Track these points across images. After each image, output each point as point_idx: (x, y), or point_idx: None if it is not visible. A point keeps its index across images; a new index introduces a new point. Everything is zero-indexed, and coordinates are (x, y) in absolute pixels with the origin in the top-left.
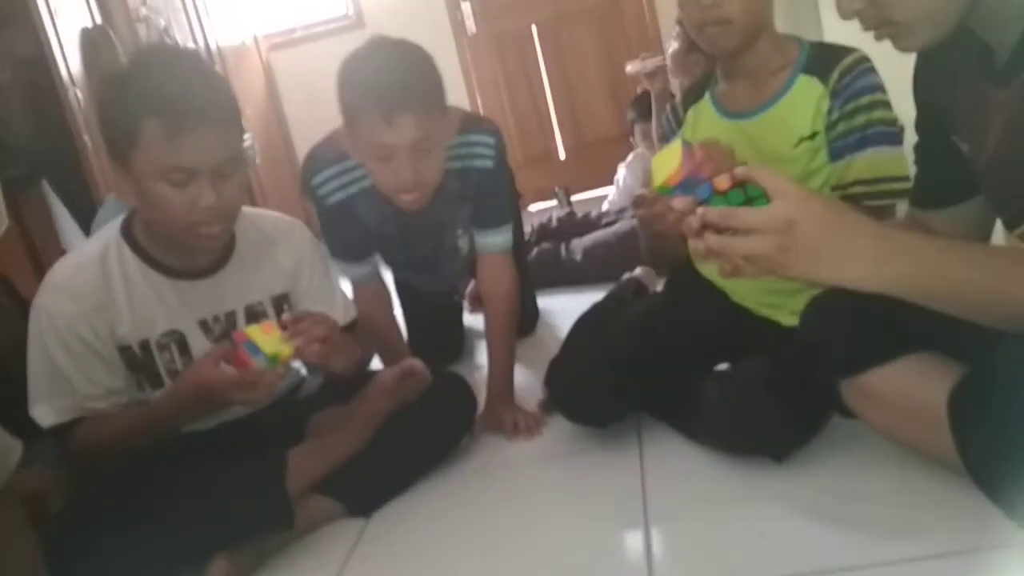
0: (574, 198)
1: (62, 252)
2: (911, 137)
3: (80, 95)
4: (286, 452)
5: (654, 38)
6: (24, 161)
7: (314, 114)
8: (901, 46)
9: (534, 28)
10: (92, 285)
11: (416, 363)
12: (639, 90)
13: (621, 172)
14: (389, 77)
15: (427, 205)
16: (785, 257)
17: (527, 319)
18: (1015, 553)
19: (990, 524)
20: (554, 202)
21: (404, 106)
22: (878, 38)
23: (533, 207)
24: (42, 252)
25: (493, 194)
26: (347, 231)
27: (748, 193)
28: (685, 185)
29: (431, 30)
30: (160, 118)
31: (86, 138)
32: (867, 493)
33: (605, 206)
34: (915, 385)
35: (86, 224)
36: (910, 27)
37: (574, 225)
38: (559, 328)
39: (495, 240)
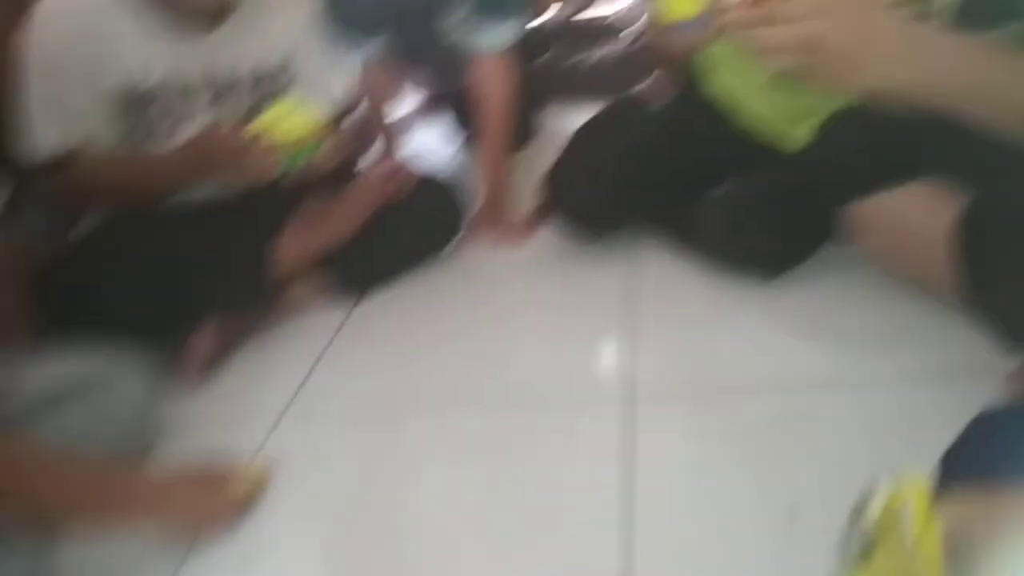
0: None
1: None
2: None
3: None
4: (274, 236)
5: None
6: None
7: None
8: None
9: None
10: (91, 22)
11: (401, 164)
12: None
13: None
14: None
15: None
16: (815, 60)
17: (524, 131)
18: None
19: (970, 351)
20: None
21: None
22: None
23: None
24: None
25: None
26: (355, 12)
27: None
28: None
29: None
30: None
31: None
32: (853, 315)
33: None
34: (918, 212)
35: None
36: None
37: (577, 31)
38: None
39: (494, 35)
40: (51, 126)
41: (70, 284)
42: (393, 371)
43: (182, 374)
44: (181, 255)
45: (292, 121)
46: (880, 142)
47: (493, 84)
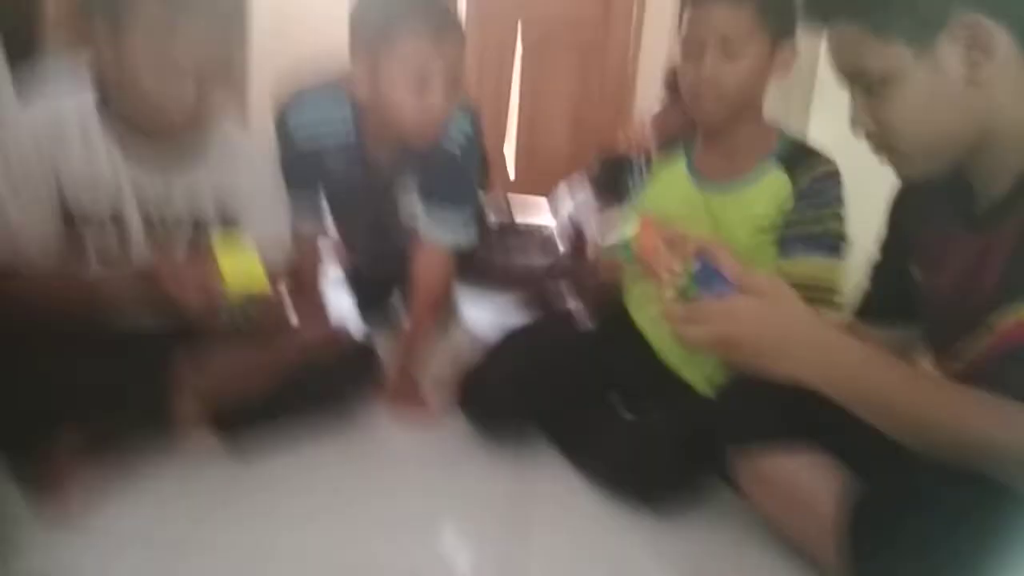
0: (513, 200)
1: None
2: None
3: None
4: (181, 372)
5: (628, 90)
6: None
7: (282, 45)
8: (899, 172)
9: (520, 42)
10: (52, 135)
11: (341, 332)
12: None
13: (567, 203)
14: (431, 1)
15: (393, 167)
16: (733, 356)
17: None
18: None
19: None
20: (495, 214)
21: (451, 28)
22: (880, 160)
23: None
24: None
25: (450, 183)
26: (307, 182)
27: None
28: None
29: None
30: (161, 4)
31: (50, 7)
32: (730, 563)
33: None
34: (804, 479)
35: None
36: (911, 156)
37: (515, 237)
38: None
39: (445, 236)
40: None
41: None
42: (262, 533)
43: (56, 503)
44: (80, 371)
45: (242, 266)
46: (778, 404)
47: (433, 272)
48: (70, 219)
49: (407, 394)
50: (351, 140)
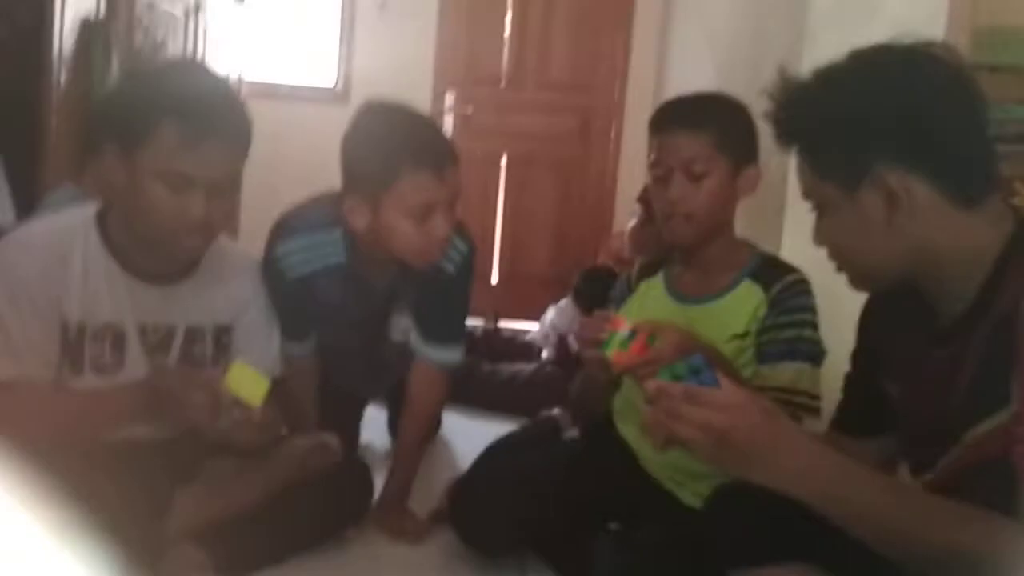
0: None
1: None
2: (831, 363)
3: (63, 78)
4: (175, 488)
5: (607, 204)
6: None
7: (269, 177)
8: (850, 284)
9: (504, 158)
10: (54, 253)
11: (331, 439)
12: (598, 262)
13: (550, 313)
14: (430, 133)
15: (381, 291)
16: (719, 453)
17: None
18: None
19: None
20: (480, 321)
21: (452, 160)
22: (837, 270)
23: None
24: None
25: (449, 304)
26: (298, 308)
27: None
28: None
29: None
30: (179, 122)
31: (53, 119)
32: None
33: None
34: None
35: (20, 202)
36: (853, 274)
37: (500, 343)
38: (460, 446)
39: (439, 355)
40: None
41: None
42: None
43: None
44: (71, 490)
45: (243, 383)
46: (770, 517)
47: (428, 392)
48: (67, 330)
49: (400, 509)
50: (341, 263)
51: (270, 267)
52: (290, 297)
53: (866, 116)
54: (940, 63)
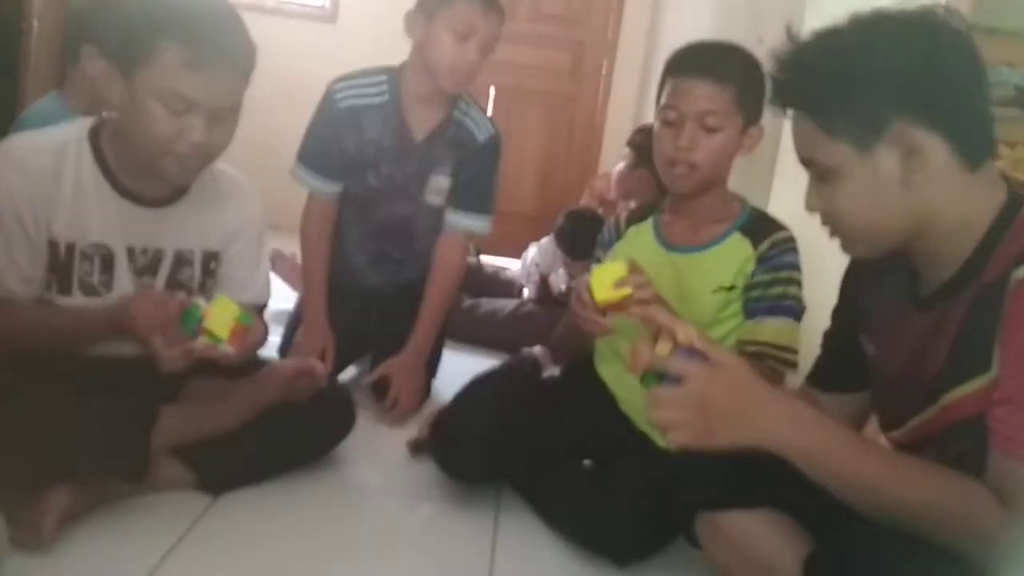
0: (481, 258)
1: None
2: (811, 318)
3: None
4: (160, 406)
5: (595, 144)
6: None
7: (253, 93)
8: (845, 250)
9: (492, 90)
10: (44, 171)
11: (317, 364)
12: (582, 202)
13: (532, 251)
14: None
15: (419, 146)
16: (707, 424)
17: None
18: None
19: None
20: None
21: (497, 7)
22: (830, 237)
23: None
24: None
25: (479, 175)
26: (338, 141)
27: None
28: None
29: (404, 41)
30: (184, 46)
31: (35, 23)
32: None
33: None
34: (765, 539)
35: (2, 108)
36: (851, 239)
37: (482, 278)
38: (440, 378)
39: (466, 222)
40: None
41: None
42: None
43: (30, 530)
44: (59, 404)
45: (223, 314)
46: (741, 464)
47: (451, 258)
48: (56, 249)
49: (412, 365)
50: (385, 100)
51: (324, 100)
52: (334, 127)
53: (885, 71)
54: (951, 25)
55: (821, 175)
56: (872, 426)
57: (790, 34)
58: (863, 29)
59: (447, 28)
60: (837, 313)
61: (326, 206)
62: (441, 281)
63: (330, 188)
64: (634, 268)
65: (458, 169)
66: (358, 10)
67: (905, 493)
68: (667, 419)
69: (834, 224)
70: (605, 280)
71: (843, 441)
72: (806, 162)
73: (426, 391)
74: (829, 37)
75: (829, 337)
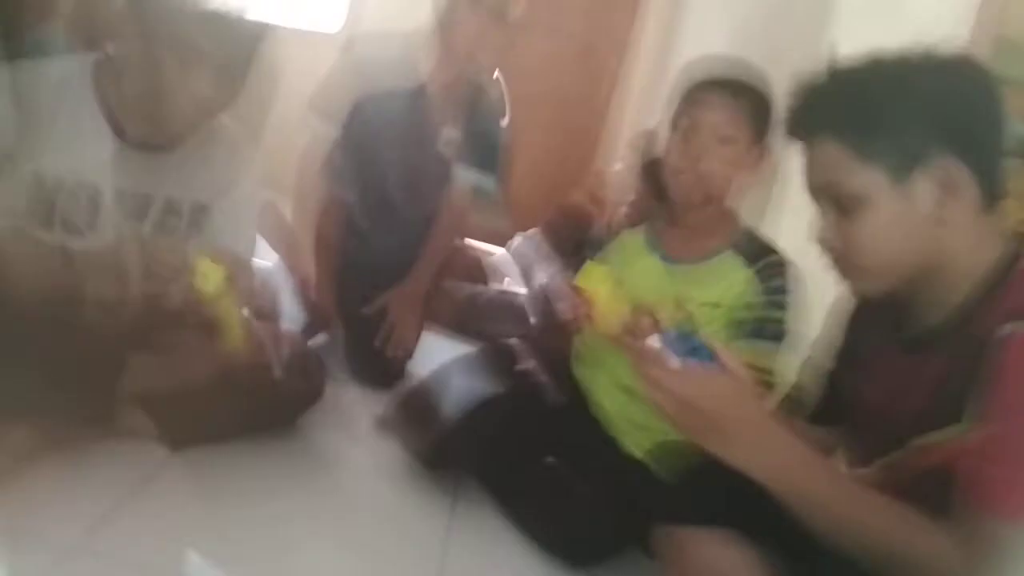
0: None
1: None
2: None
3: None
4: (130, 353)
5: (593, 142)
6: None
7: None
8: (848, 285)
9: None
10: (41, 103)
11: (291, 330)
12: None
13: (516, 240)
14: None
15: (431, 96)
16: (685, 418)
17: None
18: None
19: None
20: None
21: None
22: (833, 269)
23: None
24: None
25: (488, 131)
26: (351, 87)
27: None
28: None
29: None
30: None
31: None
32: None
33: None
34: (720, 558)
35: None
36: (864, 272)
37: (463, 261)
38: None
39: (474, 177)
40: None
41: None
42: (188, 539)
43: None
44: (27, 344)
45: (212, 272)
46: (706, 482)
47: (458, 209)
48: (40, 182)
49: (412, 296)
50: (412, 78)
51: (346, 49)
52: (348, 74)
53: (933, 102)
54: (989, 70)
55: (841, 204)
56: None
57: (826, 57)
58: (908, 60)
59: (469, 9)
60: (820, 344)
61: (322, 154)
62: (445, 226)
63: (332, 132)
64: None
65: (470, 125)
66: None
67: (879, 532)
68: (666, 400)
69: (847, 256)
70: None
71: (818, 472)
72: (824, 189)
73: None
74: (874, 63)
75: (812, 368)
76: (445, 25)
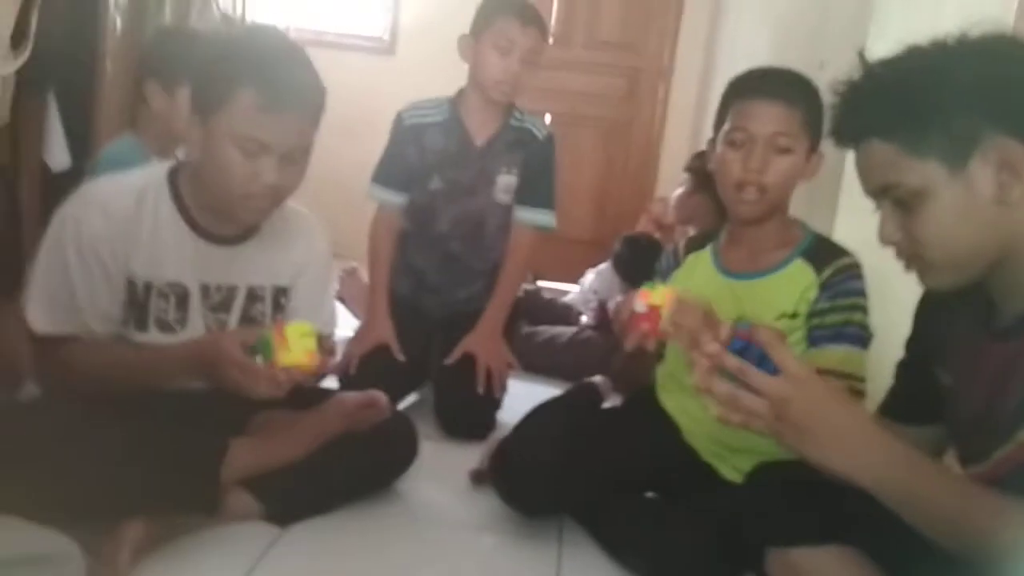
0: (539, 284)
1: (41, 163)
2: (879, 346)
3: (119, 21)
4: (229, 439)
5: (652, 169)
6: (40, 64)
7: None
8: (924, 281)
9: (548, 117)
10: (126, 212)
11: (380, 396)
12: (639, 228)
13: (590, 277)
14: None
15: (481, 150)
16: (778, 426)
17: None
18: None
19: None
20: None
21: (536, 19)
22: (907, 269)
23: None
24: (24, 158)
25: (541, 171)
26: (404, 155)
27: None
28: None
29: (460, 74)
30: (257, 90)
31: (108, 64)
32: None
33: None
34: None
35: (75, 147)
36: (938, 267)
37: (539, 304)
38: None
39: (533, 216)
40: (47, 311)
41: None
42: None
43: (107, 562)
44: (132, 440)
45: (297, 345)
46: (811, 497)
47: (521, 246)
48: (134, 287)
49: (490, 340)
50: (446, 117)
51: (393, 125)
52: (400, 142)
53: (976, 84)
54: (1020, 41)
55: (903, 202)
56: (950, 462)
57: (863, 59)
58: (945, 47)
59: (491, 45)
60: (911, 344)
61: (392, 216)
62: (513, 265)
63: (396, 199)
64: (683, 301)
65: (523, 168)
66: (416, 42)
67: (987, 528)
68: (744, 403)
69: (918, 253)
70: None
71: (922, 471)
72: (883, 191)
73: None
74: (910, 56)
75: (903, 368)
76: (474, 69)
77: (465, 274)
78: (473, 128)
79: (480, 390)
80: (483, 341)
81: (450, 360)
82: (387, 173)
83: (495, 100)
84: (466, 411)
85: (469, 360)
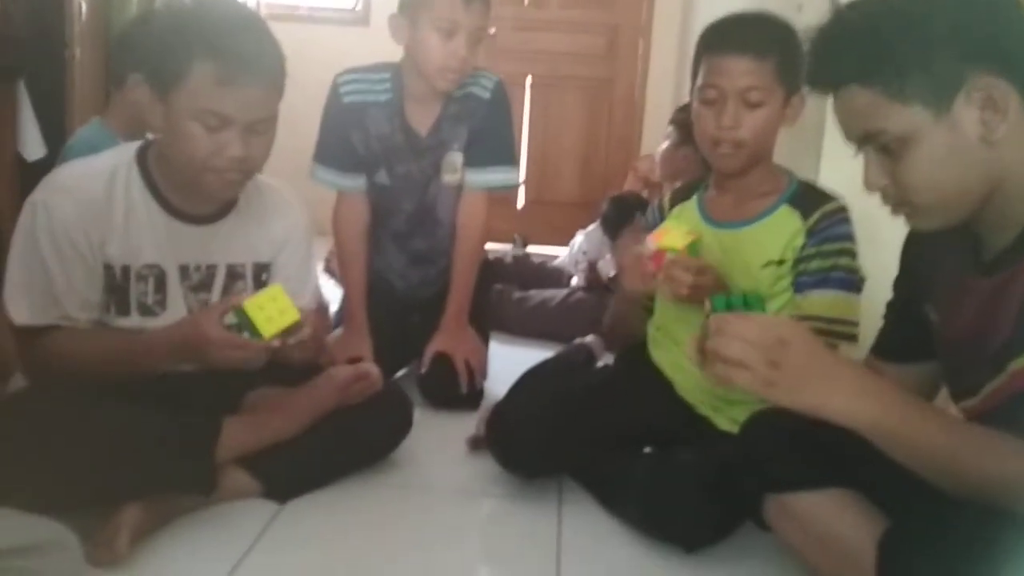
0: (528, 249)
1: (15, 154)
2: (870, 289)
3: (84, 6)
4: (222, 419)
5: (636, 126)
6: (6, 53)
7: (288, 98)
8: (913, 224)
9: (529, 79)
10: (96, 196)
11: (372, 368)
12: (627, 186)
13: (579, 238)
14: None
15: (427, 140)
16: (773, 374)
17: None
18: None
19: None
20: (509, 246)
21: None
22: (894, 213)
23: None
24: None
25: (489, 129)
26: (346, 137)
27: (747, 302)
28: None
29: None
30: (214, 63)
31: (77, 50)
32: None
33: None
34: (837, 518)
35: (49, 135)
36: (926, 210)
37: (529, 269)
38: (493, 372)
39: (484, 178)
40: (26, 302)
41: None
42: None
43: (105, 547)
44: (125, 425)
45: (274, 309)
46: (807, 442)
47: (473, 218)
48: (112, 272)
49: (458, 328)
50: (389, 98)
51: (330, 95)
52: (341, 122)
53: (955, 23)
54: None
55: (888, 148)
56: (942, 396)
57: (833, 2)
58: None
59: (431, 28)
60: (899, 283)
61: (356, 203)
62: (463, 244)
63: (353, 183)
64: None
65: (469, 133)
66: (389, 11)
67: (984, 464)
68: (730, 353)
69: (906, 198)
70: (673, 232)
71: (916, 413)
72: (866, 138)
73: (485, 344)
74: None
75: (892, 307)
76: (411, 48)
77: (434, 262)
78: (415, 118)
79: (464, 390)
80: (452, 338)
81: (424, 368)
82: (331, 153)
83: (442, 90)
84: (454, 408)
85: (445, 359)
